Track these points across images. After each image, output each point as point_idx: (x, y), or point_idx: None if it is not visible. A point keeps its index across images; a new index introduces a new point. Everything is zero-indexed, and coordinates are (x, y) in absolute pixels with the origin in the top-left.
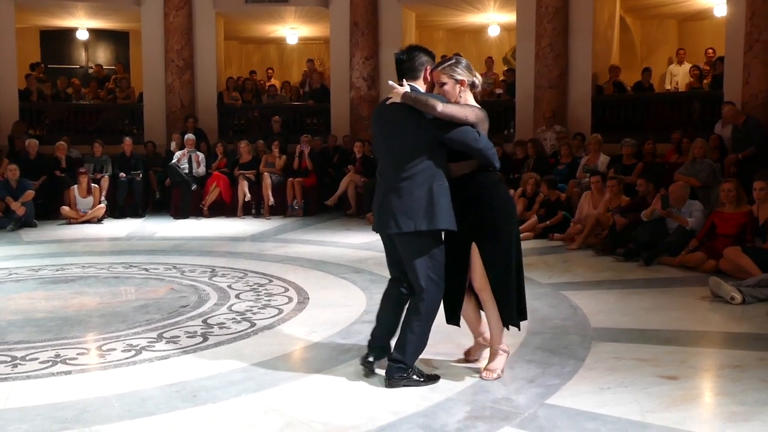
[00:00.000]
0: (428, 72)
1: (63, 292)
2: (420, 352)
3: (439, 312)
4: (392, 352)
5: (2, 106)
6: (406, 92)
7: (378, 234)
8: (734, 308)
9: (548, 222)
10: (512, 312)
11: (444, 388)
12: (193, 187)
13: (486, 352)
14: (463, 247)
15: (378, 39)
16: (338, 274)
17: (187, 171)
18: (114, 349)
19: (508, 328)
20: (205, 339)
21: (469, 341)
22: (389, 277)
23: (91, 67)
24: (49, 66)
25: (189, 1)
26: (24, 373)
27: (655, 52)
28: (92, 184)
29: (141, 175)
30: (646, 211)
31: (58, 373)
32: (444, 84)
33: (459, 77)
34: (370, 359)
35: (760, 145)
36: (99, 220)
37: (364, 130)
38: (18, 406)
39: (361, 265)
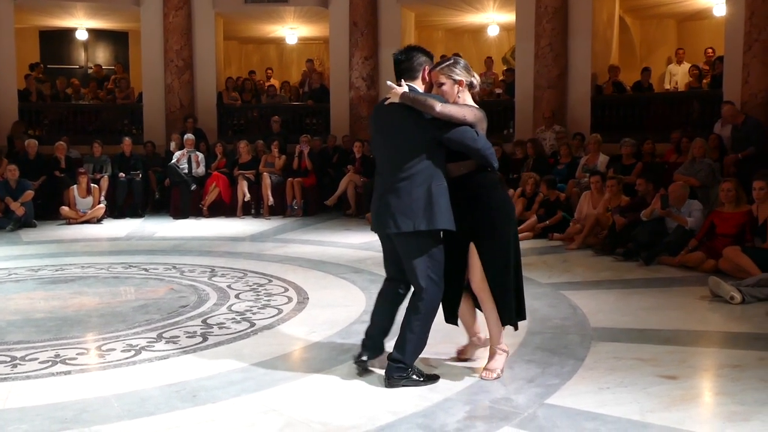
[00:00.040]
0: (426, 72)
1: (62, 292)
2: (420, 352)
3: (438, 311)
4: (392, 352)
5: (1, 106)
6: (405, 92)
7: (376, 234)
8: (734, 308)
9: (548, 222)
10: (511, 312)
11: (443, 388)
12: (193, 187)
13: (479, 352)
14: (462, 247)
15: (377, 39)
16: (338, 274)
17: (186, 171)
18: (113, 349)
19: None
20: (205, 339)
21: (467, 340)
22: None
23: (91, 68)
24: (48, 66)
25: (188, 1)
26: (23, 373)
27: (654, 52)
28: (92, 185)
29: (140, 175)
30: (645, 211)
31: (57, 373)
32: (442, 84)
33: (457, 77)
34: (364, 358)
35: (760, 145)
36: (98, 221)
37: (364, 130)
38: (17, 406)
39: (361, 265)
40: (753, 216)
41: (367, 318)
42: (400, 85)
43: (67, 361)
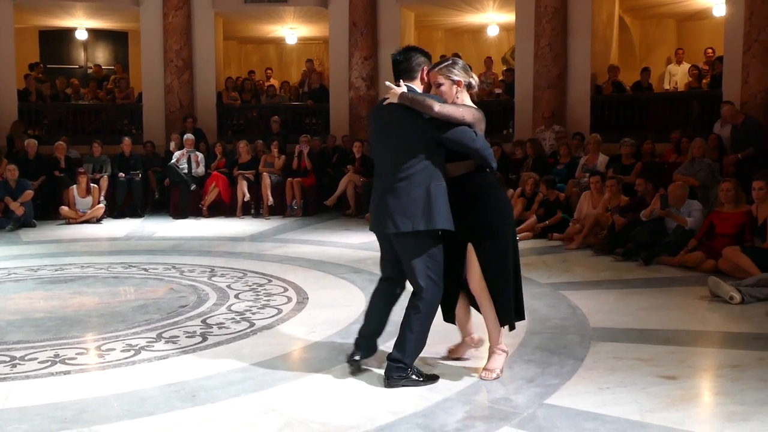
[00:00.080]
0: (425, 73)
1: (62, 292)
2: (419, 352)
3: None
4: (391, 352)
5: (1, 106)
6: (403, 92)
7: (374, 233)
8: (733, 308)
9: (547, 222)
10: (509, 312)
11: (443, 388)
12: (192, 187)
13: (470, 352)
14: (460, 247)
15: (377, 39)
16: (337, 274)
17: (186, 171)
18: (113, 349)
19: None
20: (204, 339)
21: None
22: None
23: (90, 67)
24: (48, 66)
25: (188, 1)
26: (23, 372)
27: (653, 52)
28: (91, 184)
29: (140, 175)
30: (645, 211)
31: (57, 373)
32: (441, 85)
33: (456, 78)
34: (356, 357)
35: (759, 145)
36: (98, 220)
37: (363, 130)
38: (17, 406)
39: (360, 265)
40: (752, 216)
41: None
42: (398, 86)
43: (66, 360)
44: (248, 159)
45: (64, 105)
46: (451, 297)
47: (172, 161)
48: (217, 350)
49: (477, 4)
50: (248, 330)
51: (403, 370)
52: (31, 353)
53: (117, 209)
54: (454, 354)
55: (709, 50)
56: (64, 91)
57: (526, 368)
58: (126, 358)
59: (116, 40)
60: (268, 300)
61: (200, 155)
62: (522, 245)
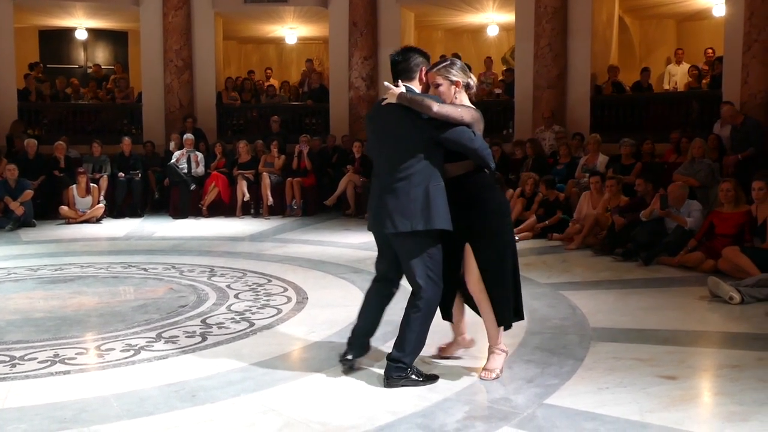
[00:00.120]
0: (423, 73)
1: (62, 291)
2: (419, 351)
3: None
4: (391, 352)
5: (1, 105)
6: (402, 93)
7: (372, 233)
8: (733, 308)
9: (547, 222)
10: (507, 312)
11: (442, 388)
12: (192, 187)
13: (460, 352)
14: (457, 247)
15: (377, 39)
16: (337, 274)
17: (185, 171)
18: (113, 349)
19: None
20: (204, 339)
21: None
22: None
23: (90, 67)
24: (47, 66)
25: (188, 1)
26: (23, 372)
27: (653, 52)
28: (91, 184)
29: (140, 175)
30: (644, 211)
31: (56, 372)
32: (439, 85)
33: (454, 78)
34: (349, 357)
35: (759, 145)
36: (98, 220)
37: (363, 130)
38: (17, 406)
39: (360, 265)
40: (752, 216)
41: None
42: (397, 86)
43: (66, 360)
44: (248, 159)
45: (63, 105)
46: (448, 295)
47: (172, 161)
48: (216, 350)
49: (477, 4)
50: (248, 330)
51: (402, 369)
52: (30, 353)
53: (117, 209)
54: (444, 353)
55: (709, 50)
56: (64, 90)
57: (525, 368)
58: (126, 358)
59: (116, 39)
60: (267, 300)
61: (200, 155)
62: (522, 245)
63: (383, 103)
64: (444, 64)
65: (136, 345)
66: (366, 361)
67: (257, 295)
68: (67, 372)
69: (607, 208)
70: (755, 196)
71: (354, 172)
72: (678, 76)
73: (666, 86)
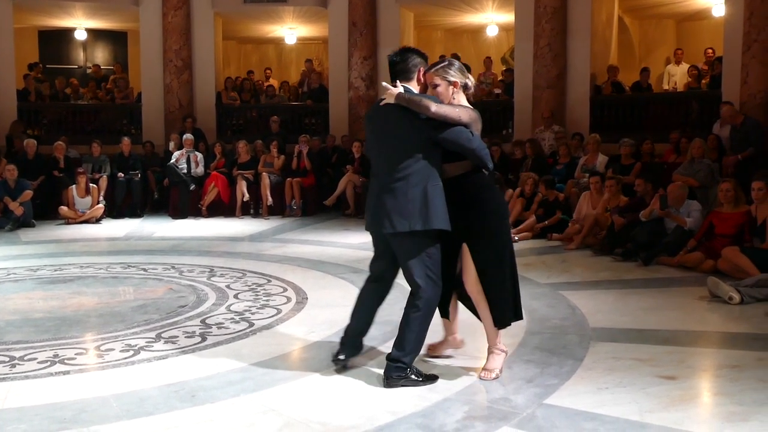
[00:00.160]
0: (421, 74)
1: (61, 292)
2: (418, 351)
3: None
4: (391, 351)
5: (0, 106)
6: (400, 93)
7: (370, 233)
8: (732, 308)
9: (546, 222)
10: (505, 313)
11: (442, 388)
12: (192, 187)
13: (449, 351)
14: (455, 247)
15: (376, 39)
16: (337, 274)
17: (185, 171)
18: (112, 349)
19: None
20: (204, 339)
21: (466, 339)
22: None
23: (90, 67)
24: (47, 66)
25: (187, 1)
26: (22, 373)
27: (653, 52)
28: (90, 184)
29: (139, 175)
30: (644, 211)
31: (56, 373)
32: (437, 85)
33: (452, 79)
34: (341, 357)
35: (759, 146)
36: (97, 220)
37: (363, 130)
38: (16, 406)
39: (360, 265)
40: (752, 216)
41: None
42: (395, 86)
43: (65, 361)
44: (247, 159)
45: (63, 105)
46: (446, 294)
47: (172, 161)
48: (216, 350)
49: (476, 4)
50: (247, 330)
51: (402, 369)
52: (30, 353)
53: (116, 209)
54: (433, 351)
55: (709, 50)
56: (64, 91)
57: (525, 368)
58: (125, 358)
59: (115, 40)
60: (267, 300)
61: (199, 155)
62: (521, 245)
63: (381, 104)
64: (442, 64)
65: (136, 345)
66: (366, 361)
67: (257, 295)
68: (67, 372)
69: (607, 208)
70: (755, 196)
71: (353, 172)
72: (677, 76)
73: (665, 86)
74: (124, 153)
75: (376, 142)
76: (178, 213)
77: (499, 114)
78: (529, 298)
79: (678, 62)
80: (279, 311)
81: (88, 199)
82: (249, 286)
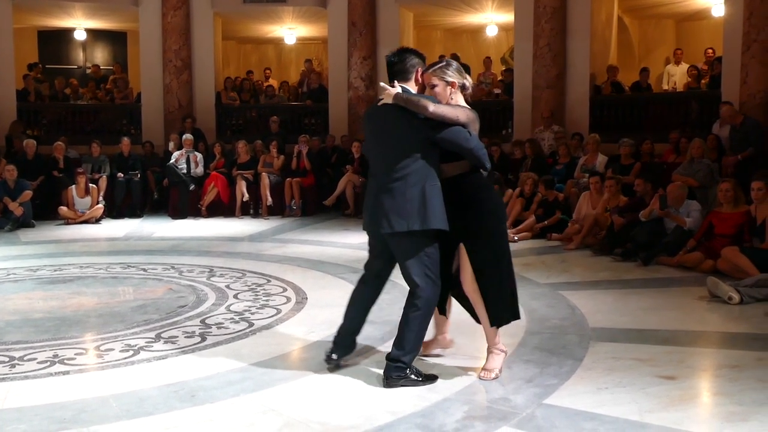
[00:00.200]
0: (419, 74)
1: (61, 292)
2: (418, 350)
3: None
4: (390, 351)
5: (0, 106)
6: (398, 93)
7: (367, 233)
8: (732, 308)
9: (546, 222)
10: (501, 311)
11: (442, 387)
12: (191, 187)
13: (438, 351)
14: (452, 246)
15: (376, 39)
16: (336, 274)
17: (185, 171)
18: (112, 350)
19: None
20: (204, 339)
21: (466, 339)
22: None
23: (89, 68)
24: (46, 66)
25: (187, 1)
26: (22, 373)
27: (652, 52)
28: (90, 185)
29: (139, 176)
30: (644, 211)
31: (56, 373)
32: (435, 86)
33: (449, 79)
34: (334, 356)
35: (758, 146)
36: (97, 221)
37: (362, 131)
38: (16, 406)
39: (359, 265)
40: (751, 216)
41: (367, 318)
42: (393, 87)
43: (65, 361)
44: (247, 159)
45: (62, 105)
46: (444, 294)
47: (171, 161)
48: (216, 350)
49: (476, 4)
50: (247, 330)
51: (402, 369)
52: (30, 353)
53: (116, 209)
54: (423, 350)
55: (709, 50)
56: (63, 91)
57: (524, 368)
58: (125, 358)
59: (115, 40)
60: (267, 300)
61: (199, 155)
62: (521, 245)
63: (379, 104)
64: (440, 65)
65: (136, 345)
66: (365, 361)
67: (256, 295)
68: (67, 372)
69: (607, 208)
70: (754, 196)
71: (353, 172)
72: (677, 76)
73: (665, 86)
74: (123, 153)
75: (374, 142)
76: (178, 213)
77: (499, 114)
78: (528, 298)
79: (677, 62)
80: (279, 311)
81: (88, 200)
82: (249, 286)
